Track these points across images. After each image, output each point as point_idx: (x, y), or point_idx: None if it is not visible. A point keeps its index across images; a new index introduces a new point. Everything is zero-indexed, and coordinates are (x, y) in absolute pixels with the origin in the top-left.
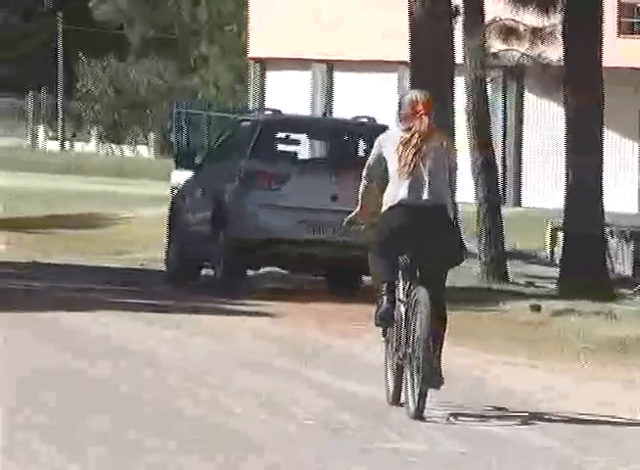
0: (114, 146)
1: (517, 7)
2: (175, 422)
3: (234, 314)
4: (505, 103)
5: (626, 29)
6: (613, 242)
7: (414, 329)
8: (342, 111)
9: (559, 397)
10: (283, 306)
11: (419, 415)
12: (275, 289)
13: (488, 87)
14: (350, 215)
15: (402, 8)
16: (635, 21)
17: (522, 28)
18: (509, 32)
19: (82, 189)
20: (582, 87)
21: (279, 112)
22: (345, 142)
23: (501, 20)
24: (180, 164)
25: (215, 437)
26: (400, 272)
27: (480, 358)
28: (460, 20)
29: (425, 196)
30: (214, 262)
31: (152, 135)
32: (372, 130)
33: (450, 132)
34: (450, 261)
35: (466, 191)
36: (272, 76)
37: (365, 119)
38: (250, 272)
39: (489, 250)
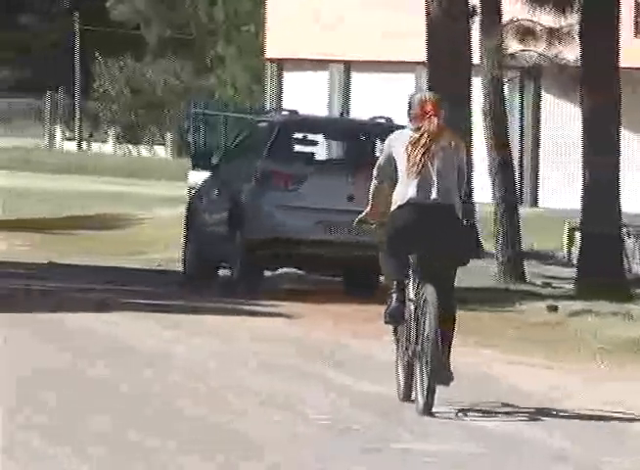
0: (131, 146)
1: (534, 7)
2: (177, 421)
3: (250, 315)
4: (522, 103)
5: None
6: (630, 242)
7: (423, 327)
8: (360, 111)
9: (574, 396)
10: (300, 307)
11: (428, 411)
12: (292, 289)
13: (505, 87)
14: (361, 215)
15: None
16: None
17: (538, 29)
18: (526, 33)
19: (99, 190)
20: (599, 87)
21: (296, 112)
22: (362, 142)
23: (518, 20)
24: (197, 164)
25: (227, 438)
26: (411, 271)
27: (496, 359)
28: (477, 20)
29: (433, 195)
30: (231, 263)
31: (169, 135)
32: (389, 131)
33: (467, 132)
34: (458, 260)
35: (483, 191)
36: (289, 77)
37: (382, 120)
38: (266, 273)
39: (506, 250)
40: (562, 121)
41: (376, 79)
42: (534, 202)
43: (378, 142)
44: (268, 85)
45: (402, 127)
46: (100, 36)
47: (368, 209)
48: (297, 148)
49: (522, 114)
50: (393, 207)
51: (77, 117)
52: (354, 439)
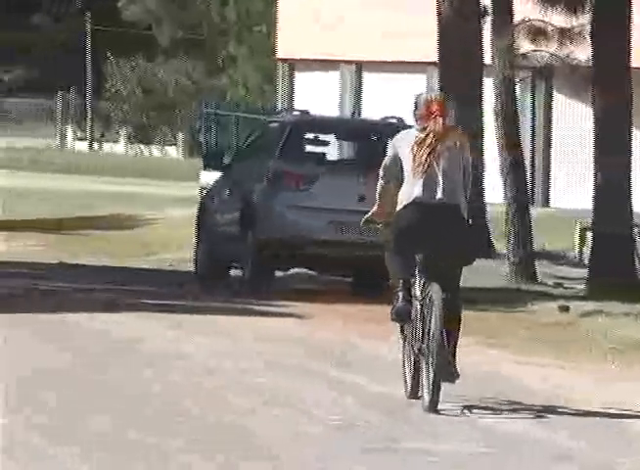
0: (142, 146)
1: (545, 7)
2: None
3: (260, 315)
4: (534, 103)
5: None
6: None
7: (428, 325)
8: (371, 111)
9: (583, 396)
10: (310, 307)
11: (434, 408)
12: (302, 290)
13: (517, 87)
14: (368, 215)
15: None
16: None
17: (550, 29)
18: (537, 33)
19: (111, 190)
20: (611, 87)
21: (307, 112)
22: (374, 143)
23: (530, 20)
24: (209, 164)
25: (232, 437)
26: (417, 270)
27: (507, 359)
28: (489, 20)
29: (439, 195)
30: (243, 263)
31: (180, 136)
32: (400, 131)
33: (479, 132)
34: (463, 260)
35: (495, 191)
36: (301, 77)
37: (393, 120)
38: (277, 273)
39: (518, 250)
40: (573, 121)
41: (387, 80)
42: (546, 202)
43: (389, 142)
44: (280, 85)
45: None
46: (111, 36)
47: (375, 208)
48: (309, 148)
49: (533, 114)
50: (399, 206)
51: (89, 117)
52: (359, 438)
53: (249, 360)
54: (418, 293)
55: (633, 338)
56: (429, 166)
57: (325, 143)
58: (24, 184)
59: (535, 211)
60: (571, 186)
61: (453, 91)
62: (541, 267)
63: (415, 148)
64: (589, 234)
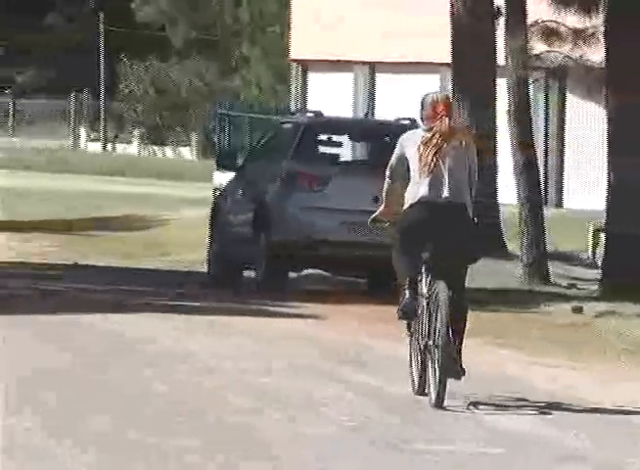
0: (155, 147)
1: (559, 8)
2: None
3: (274, 316)
4: (547, 103)
5: None
6: None
7: (435, 322)
8: (384, 112)
9: (594, 397)
10: (323, 308)
11: (439, 404)
12: (315, 290)
13: (530, 88)
14: (375, 214)
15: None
16: None
17: (563, 30)
18: (551, 34)
19: (124, 191)
20: (624, 88)
21: (320, 113)
22: (387, 143)
23: (543, 21)
24: (222, 165)
25: (240, 437)
26: (423, 267)
27: (520, 359)
28: (502, 20)
29: (445, 194)
30: (256, 264)
31: (194, 136)
32: None
33: (492, 133)
34: (468, 258)
35: (508, 191)
36: (314, 78)
37: (406, 121)
38: (291, 274)
39: (531, 251)
40: (587, 122)
41: (400, 80)
42: (559, 202)
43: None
44: (293, 86)
45: None
46: (125, 37)
47: (382, 207)
48: (322, 149)
49: (546, 114)
50: (406, 205)
51: (102, 117)
52: (366, 438)
53: (261, 361)
54: (424, 290)
55: None
56: (435, 166)
57: (338, 144)
58: (37, 185)
59: (548, 212)
60: (585, 187)
61: (466, 92)
62: (554, 268)
63: (421, 148)
64: (602, 235)
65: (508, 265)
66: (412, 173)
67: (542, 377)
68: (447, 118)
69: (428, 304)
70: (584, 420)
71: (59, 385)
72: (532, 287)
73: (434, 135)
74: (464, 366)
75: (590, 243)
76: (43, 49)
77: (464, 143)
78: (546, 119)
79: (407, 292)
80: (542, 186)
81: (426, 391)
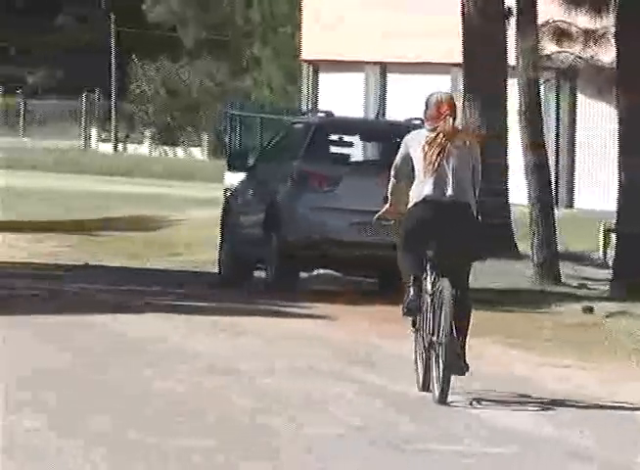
0: (167, 148)
1: (569, 8)
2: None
3: (285, 316)
4: (558, 104)
5: None
6: None
7: (439, 319)
8: (395, 113)
9: (603, 397)
10: (334, 309)
11: (443, 400)
12: (326, 291)
13: (541, 88)
14: (380, 212)
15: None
16: None
17: (574, 30)
18: (562, 34)
19: (135, 191)
20: (635, 88)
21: (331, 113)
22: (398, 144)
23: (554, 21)
24: (233, 165)
25: (248, 437)
26: (427, 265)
27: (529, 360)
28: (513, 21)
29: (449, 193)
30: (267, 264)
31: (205, 137)
32: None
33: (503, 133)
34: (471, 257)
35: (519, 191)
36: (325, 78)
37: (418, 121)
38: (302, 274)
39: (542, 251)
40: (598, 122)
41: (412, 81)
42: (570, 203)
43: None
44: (304, 86)
45: None
46: (136, 37)
47: (387, 206)
48: (333, 149)
49: (557, 114)
50: (410, 204)
51: (113, 118)
52: (370, 438)
53: (266, 361)
54: (429, 288)
55: None
56: (439, 165)
57: (349, 144)
58: (47, 185)
59: (559, 212)
60: (596, 187)
61: (477, 92)
62: (565, 268)
63: (425, 147)
64: (613, 235)
65: (519, 265)
66: (416, 173)
67: (552, 377)
68: (451, 119)
69: (432, 301)
70: (592, 419)
71: (60, 385)
72: (543, 287)
73: (437, 135)
74: (469, 363)
75: (601, 243)
76: (54, 49)
77: (467, 143)
78: (557, 120)
79: (411, 289)
80: (553, 186)
81: (430, 387)
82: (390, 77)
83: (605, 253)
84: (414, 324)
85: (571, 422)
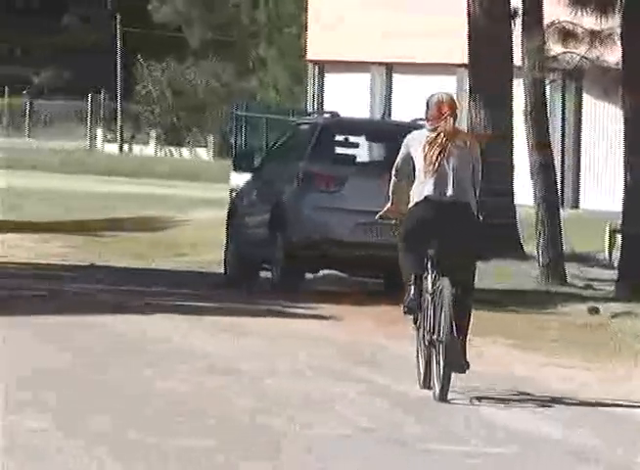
0: (172, 148)
1: (575, 9)
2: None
3: (290, 317)
4: (564, 104)
5: None
6: None
7: (439, 317)
8: (401, 113)
9: (606, 397)
10: (340, 309)
11: (443, 398)
12: (331, 291)
13: (547, 88)
14: (382, 211)
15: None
16: None
17: (580, 31)
18: (567, 35)
19: (141, 192)
20: None
21: (337, 114)
22: None
23: (560, 22)
24: (239, 166)
25: (251, 436)
26: (428, 264)
27: (535, 360)
28: (519, 21)
29: (449, 192)
30: (272, 264)
31: (210, 137)
32: None
33: (508, 133)
34: (472, 256)
35: (525, 191)
36: (331, 78)
37: (423, 122)
38: (308, 275)
39: (547, 252)
40: (603, 123)
41: (417, 81)
42: (576, 203)
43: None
44: (310, 87)
45: None
46: (141, 38)
47: (389, 205)
48: (339, 150)
49: (563, 115)
50: (411, 204)
51: (119, 118)
52: (373, 438)
53: (269, 361)
54: (429, 286)
55: None
56: (439, 165)
57: (355, 145)
58: (53, 186)
59: (565, 213)
60: (601, 187)
61: (483, 92)
62: (571, 269)
63: (426, 147)
64: (619, 236)
65: (524, 266)
66: (417, 172)
67: (556, 376)
68: (452, 119)
69: (432, 299)
70: (595, 419)
71: (60, 385)
72: (549, 288)
73: (438, 135)
74: (469, 361)
75: (606, 244)
76: (60, 50)
77: (468, 143)
78: (563, 120)
79: (412, 288)
80: (559, 187)
81: (431, 384)
82: (396, 78)
83: (610, 253)
84: (415, 322)
85: (572, 422)
